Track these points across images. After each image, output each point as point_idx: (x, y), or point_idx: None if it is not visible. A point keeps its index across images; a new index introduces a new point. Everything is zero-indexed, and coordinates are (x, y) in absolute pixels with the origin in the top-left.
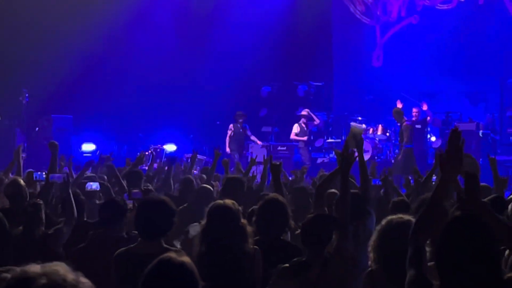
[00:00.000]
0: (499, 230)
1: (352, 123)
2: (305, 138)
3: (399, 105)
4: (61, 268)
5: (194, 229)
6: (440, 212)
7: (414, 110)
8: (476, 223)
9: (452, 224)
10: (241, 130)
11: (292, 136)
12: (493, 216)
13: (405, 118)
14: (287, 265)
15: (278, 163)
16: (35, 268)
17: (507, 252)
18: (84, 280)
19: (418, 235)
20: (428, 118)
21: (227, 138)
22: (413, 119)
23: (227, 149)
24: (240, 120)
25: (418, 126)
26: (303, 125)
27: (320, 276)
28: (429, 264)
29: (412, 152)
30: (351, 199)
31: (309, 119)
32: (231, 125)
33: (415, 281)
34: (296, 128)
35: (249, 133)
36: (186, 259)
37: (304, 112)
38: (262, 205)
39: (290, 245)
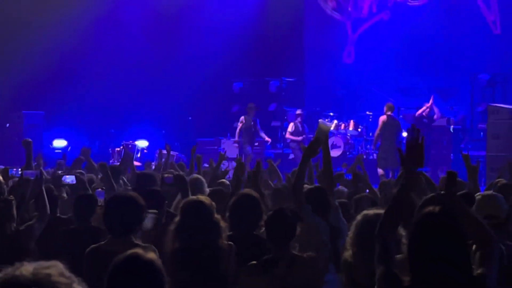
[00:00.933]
0: (471, 225)
1: (320, 120)
2: (299, 138)
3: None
4: (54, 271)
5: (148, 221)
6: (406, 206)
7: (426, 104)
8: (447, 219)
9: (424, 219)
10: (252, 123)
11: (287, 136)
12: (467, 212)
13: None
14: (255, 262)
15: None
16: (26, 271)
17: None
18: (78, 286)
19: (385, 230)
20: (435, 116)
21: (237, 130)
22: (423, 113)
23: (237, 140)
24: (252, 113)
25: (425, 120)
26: (299, 125)
27: (287, 272)
28: (397, 257)
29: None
30: (315, 194)
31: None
32: (242, 117)
33: (385, 277)
34: (290, 127)
35: (258, 127)
36: (152, 255)
37: (298, 111)
38: (235, 201)
39: (263, 241)
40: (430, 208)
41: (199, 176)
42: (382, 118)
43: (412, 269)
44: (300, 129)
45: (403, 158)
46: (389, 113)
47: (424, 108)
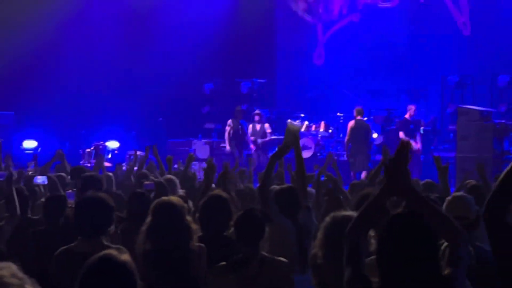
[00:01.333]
0: (440, 223)
1: (289, 121)
2: (252, 138)
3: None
4: (6, 272)
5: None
6: (380, 212)
7: (411, 107)
8: (416, 220)
9: (393, 221)
10: (239, 126)
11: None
12: (436, 210)
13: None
14: (224, 263)
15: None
16: None
17: (444, 245)
18: (29, 287)
19: (355, 232)
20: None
21: (226, 134)
22: (406, 116)
23: (227, 147)
24: (239, 116)
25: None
26: (256, 125)
27: (257, 273)
28: (368, 259)
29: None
30: (285, 194)
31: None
32: (229, 121)
33: (354, 278)
34: (249, 129)
35: (245, 130)
36: (125, 257)
37: (256, 112)
38: (205, 202)
39: (233, 242)
40: (399, 209)
41: (172, 177)
42: (350, 123)
43: (381, 270)
44: (258, 129)
45: (389, 173)
46: (358, 117)
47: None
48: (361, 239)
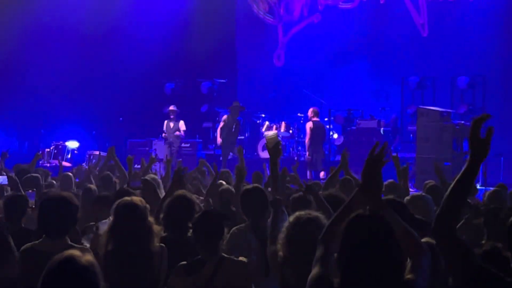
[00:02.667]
0: (401, 235)
1: (265, 133)
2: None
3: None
4: None
5: (105, 225)
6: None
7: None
8: (377, 222)
9: (353, 222)
10: (234, 124)
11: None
12: (396, 221)
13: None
14: (184, 262)
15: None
16: None
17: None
18: None
19: (329, 236)
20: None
21: (218, 129)
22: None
23: (219, 140)
24: (236, 113)
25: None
26: (170, 123)
27: (214, 273)
28: None
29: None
30: (257, 195)
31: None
32: (224, 116)
33: (317, 279)
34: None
35: (240, 128)
36: (88, 257)
37: (171, 108)
38: (170, 202)
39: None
40: (360, 210)
41: (155, 176)
42: (309, 124)
43: (341, 270)
44: (171, 126)
45: (364, 176)
46: (314, 118)
47: None
48: (333, 243)
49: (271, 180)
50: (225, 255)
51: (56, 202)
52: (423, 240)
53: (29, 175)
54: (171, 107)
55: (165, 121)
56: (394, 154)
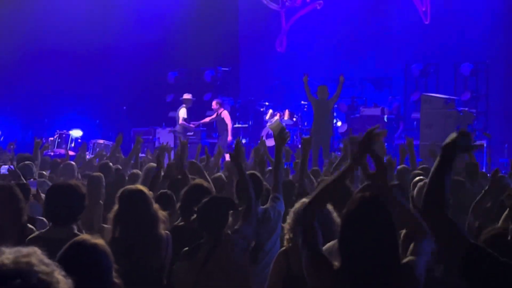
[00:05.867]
0: (403, 215)
1: (268, 124)
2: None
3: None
4: (35, 260)
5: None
6: (341, 191)
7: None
8: (377, 206)
9: (354, 205)
10: None
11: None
12: (399, 204)
13: None
14: (187, 248)
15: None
16: (7, 260)
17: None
18: (58, 275)
19: (313, 207)
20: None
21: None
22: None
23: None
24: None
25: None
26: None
27: (208, 256)
28: (329, 243)
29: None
30: (253, 182)
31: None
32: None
33: (312, 260)
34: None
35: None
36: (100, 241)
37: (185, 96)
38: (187, 191)
39: None
40: (361, 193)
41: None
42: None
43: (341, 253)
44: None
45: (353, 150)
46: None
47: None
48: (314, 217)
49: (274, 166)
50: (223, 238)
51: (63, 190)
52: None
53: (21, 164)
54: (186, 95)
55: (182, 109)
56: (401, 142)
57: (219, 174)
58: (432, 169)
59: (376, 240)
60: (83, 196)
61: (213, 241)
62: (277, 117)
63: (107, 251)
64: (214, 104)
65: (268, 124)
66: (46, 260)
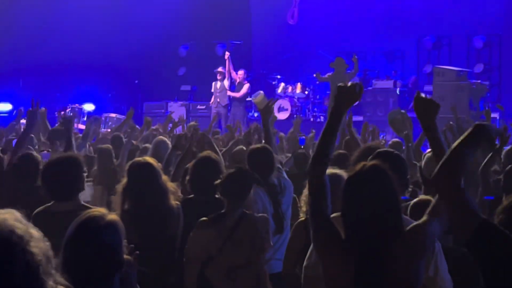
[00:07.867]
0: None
1: (252, 99)
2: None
3: None
4: (9, 216)
5: None
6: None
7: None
8: (377, 174)
9: (355, 174)
10: None
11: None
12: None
13: None
14: (205, 218)
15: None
16: None
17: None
18: (34, 231)
19: (317, 165)
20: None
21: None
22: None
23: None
24: None
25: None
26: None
27: (238, 223)
28: (334, 215)
29: None
30: (260, 154)
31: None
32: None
33: (318, 226)
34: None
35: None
36: (112, 215)
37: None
38: (195, 163)
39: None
40: (363, 163)
41: (164, 138)
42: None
43: (345, 222)
44: (218, 87)
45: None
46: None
47: None
48: (319, 172)
49: (264, 137)
50: (247, 212)
51: (59, 165)
52: None
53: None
54: (220, 69)
55: (213, 83)
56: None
57: (240, 146)
58: (457, 141)
59: (378, 206)
60: (80, 166)
61: (239, 210)
62: (261, 91)
63: (120, 227)
64: (241, 73)
65: (252, 97)
66: (23, 220)
